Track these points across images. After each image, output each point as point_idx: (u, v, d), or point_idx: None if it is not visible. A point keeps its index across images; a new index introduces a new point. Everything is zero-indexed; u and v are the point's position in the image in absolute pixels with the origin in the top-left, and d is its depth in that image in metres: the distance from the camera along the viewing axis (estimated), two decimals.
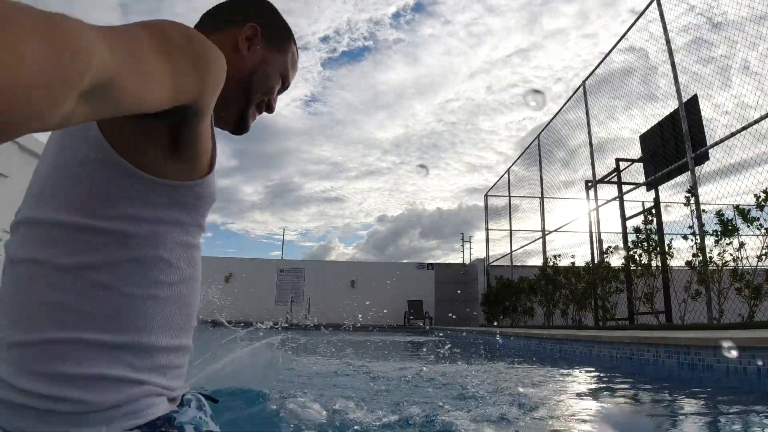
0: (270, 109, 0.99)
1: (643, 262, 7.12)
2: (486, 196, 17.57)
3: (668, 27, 6.74)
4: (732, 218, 5.44)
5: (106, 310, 0.67)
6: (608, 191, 9.27)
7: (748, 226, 5.24)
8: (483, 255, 17.63)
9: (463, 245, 21.56)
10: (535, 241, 12.90)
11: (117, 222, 0.68)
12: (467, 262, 20.87)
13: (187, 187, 0.73)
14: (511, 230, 15.00)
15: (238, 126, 0.94)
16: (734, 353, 2.74)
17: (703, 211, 5.87)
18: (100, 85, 0.41)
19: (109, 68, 0.42)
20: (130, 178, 0.68)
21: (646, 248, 7.10)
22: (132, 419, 0.68)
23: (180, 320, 0.77)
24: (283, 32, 1.00)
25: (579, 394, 2.22)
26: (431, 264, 20.27)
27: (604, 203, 9.08)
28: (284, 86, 1.00)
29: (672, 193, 7.20)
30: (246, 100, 0.92)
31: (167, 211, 0.72)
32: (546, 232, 12.03)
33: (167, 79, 0.53)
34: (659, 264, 6.93)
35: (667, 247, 6.81)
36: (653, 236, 7.12)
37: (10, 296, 0.69)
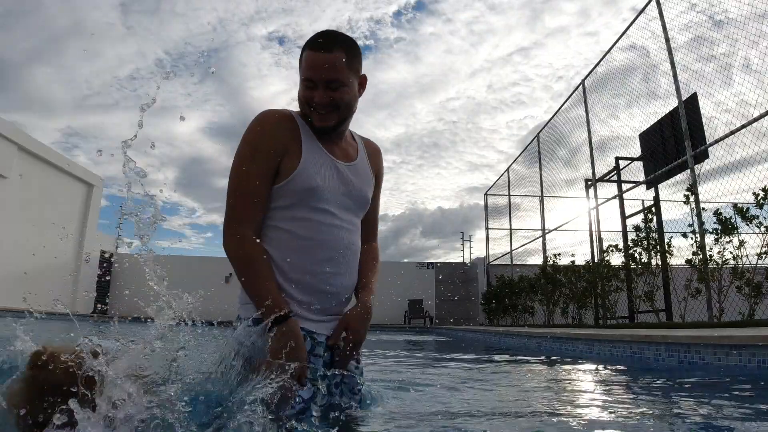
0: (319, 105, 1.44)
1: (643, 260, 7.12)
2: (486, 195, 17.57)
3: (668, 25, 6.74)
4: (731, 216, 5.44)
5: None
6: (608, 190, 9.27)
7: (747, 225, 5.24)
8: (483, 254, 17.66)
9: (463, 244, 21.60)
10: (535, 239, 12.91)
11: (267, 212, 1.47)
12: (468, 261, 20.86)
13: (281, 186, 1.43)
14: (511, 229, 15.00)
15: (321, 131, 1.49)
16: (734, 351, 2.75)
17: (703, 209, 5.87)
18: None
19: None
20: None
21: (646, 246, 7.10)
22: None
23: (300, 262, 1.42)
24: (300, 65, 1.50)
25: (578, 393, 2.23)
26: (432, 263, 20.27)
27: (604, 202, 9.08)
28: (311, 82, 1.43)
29: (672, 191, 7.19)
30: (308, 118, 1.48)
31: (277, 201, 1.45)
32: (546, 231, 12.03)
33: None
34: (659, 262, 6.93)
35: (667, 246, 6.81)
36: (653, 234, 7.12)
37: None
